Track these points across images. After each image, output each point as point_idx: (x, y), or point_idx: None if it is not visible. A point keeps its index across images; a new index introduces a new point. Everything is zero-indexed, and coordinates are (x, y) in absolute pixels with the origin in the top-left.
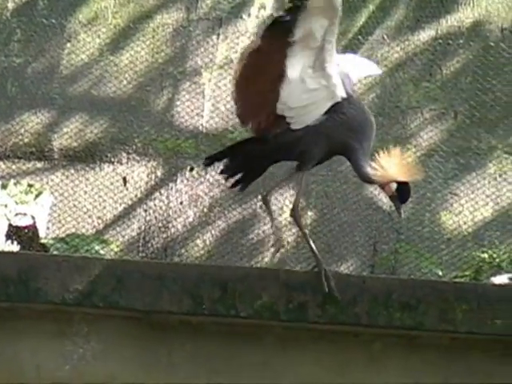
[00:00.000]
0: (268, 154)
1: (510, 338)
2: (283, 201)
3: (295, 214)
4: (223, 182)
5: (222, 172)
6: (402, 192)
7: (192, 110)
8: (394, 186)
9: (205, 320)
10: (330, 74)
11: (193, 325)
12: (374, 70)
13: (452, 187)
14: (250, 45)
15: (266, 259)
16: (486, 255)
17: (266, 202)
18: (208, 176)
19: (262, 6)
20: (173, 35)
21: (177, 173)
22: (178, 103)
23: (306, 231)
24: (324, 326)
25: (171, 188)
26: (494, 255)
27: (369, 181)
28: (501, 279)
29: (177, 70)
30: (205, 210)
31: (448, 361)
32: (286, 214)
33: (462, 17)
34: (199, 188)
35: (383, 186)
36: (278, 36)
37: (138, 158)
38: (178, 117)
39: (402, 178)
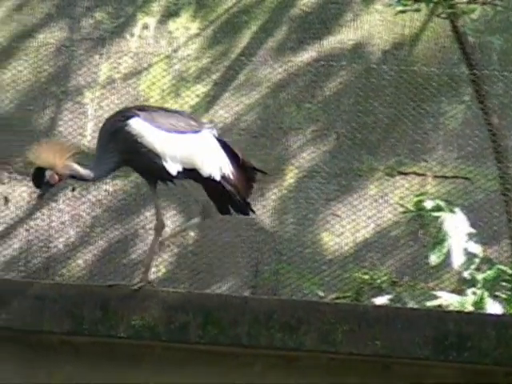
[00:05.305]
0: None
1: (389, 359)
2: None
3: (158, 225)
4: (104, 201)
5: None
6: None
7: (74, 130)
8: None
9: (85, 340)
10: None
11: (73, 345)
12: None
13: (333, 208)
14: None
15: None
16: (366, 276)
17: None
18: (90, 196)
19: (145, 26)
20: (55, 54)
21: (58, 192)
22: (61, 123)
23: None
24: (204, 347)
25: (53, 208)
26: (375, 276)
27: None
28: (381, 300)
29: (59, 89)
30: (86, 229)
31: (328, 382)
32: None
33: (344, 38)
34: (81, 208)
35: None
36: None
37: (19, 178)
38: (60, 136)
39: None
